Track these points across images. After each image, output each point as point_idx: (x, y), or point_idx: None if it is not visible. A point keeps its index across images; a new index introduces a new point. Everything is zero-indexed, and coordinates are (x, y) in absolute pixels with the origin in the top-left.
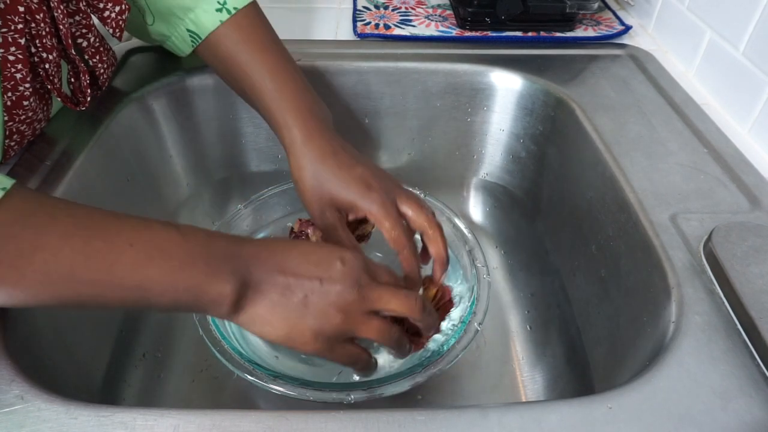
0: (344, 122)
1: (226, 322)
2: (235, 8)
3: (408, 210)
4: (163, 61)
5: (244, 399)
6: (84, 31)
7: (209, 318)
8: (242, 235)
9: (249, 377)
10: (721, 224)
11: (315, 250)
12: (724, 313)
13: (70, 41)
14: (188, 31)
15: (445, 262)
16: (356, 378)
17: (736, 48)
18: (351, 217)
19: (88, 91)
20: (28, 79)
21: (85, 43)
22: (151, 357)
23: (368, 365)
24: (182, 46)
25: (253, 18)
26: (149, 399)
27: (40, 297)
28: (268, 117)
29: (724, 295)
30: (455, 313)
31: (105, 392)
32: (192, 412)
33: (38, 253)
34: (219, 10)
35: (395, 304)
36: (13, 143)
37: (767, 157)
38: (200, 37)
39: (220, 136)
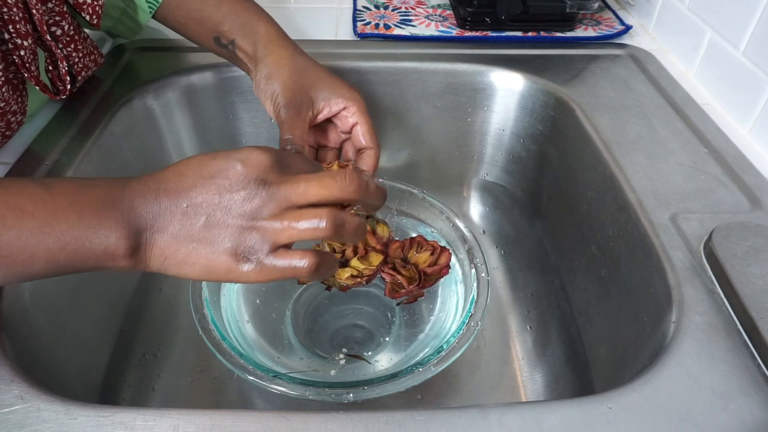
0: None
1: (226, 322)
2: None
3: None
4: (163, 61)
5: (244, 399)
6: (57, 18)
7: (209, 318)
8: None
9: (249, 377)
10: (722, 224)
11: (209, 160)
12: (724, 313)
13: (45, 27)
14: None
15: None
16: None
17: (737, 48)
18: (326, 112)
19: (68, 78)
20: (0, 67)
21: (59, 32)
22: (151, 357)
23: (314, 267)
24: (141, 16)
25: None
26: (149, 399)
27: None
28: (232, 22)
29: (725, 295)
30: (454, 306)
31: (105, 392)
32: (192, 412)
33: None
34: None
35: (317, 188)
36: None
37: (767, 156)
38: (157, 1)
39: (220, 136)
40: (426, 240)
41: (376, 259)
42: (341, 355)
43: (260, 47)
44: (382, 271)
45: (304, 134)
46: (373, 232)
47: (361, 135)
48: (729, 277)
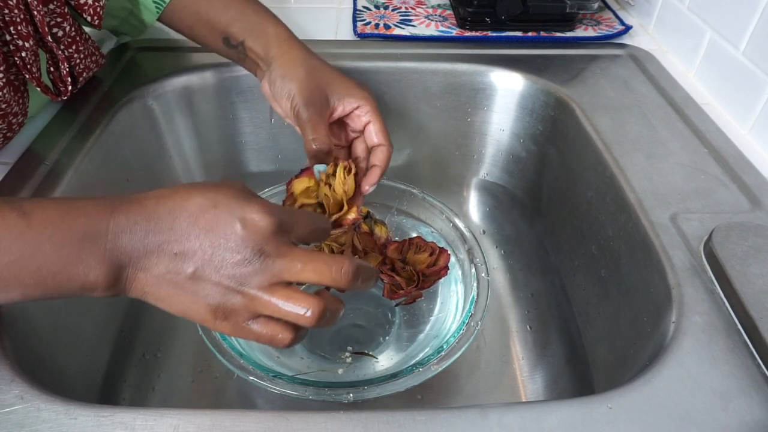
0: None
1: None
2: None
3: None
4: (163, 61)
5: (244, 399)
6: (59, 20)
7: None
8: None
9: (249, 377)
10: (722, 224)
11: (208, 209)
12: (724, 313)
13: (46, 28)
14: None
15: (384, 170)
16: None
17: (737, 48)
18: (340, 110)
19: (69, 80)
20: (2, 69)
21: (60, 33)
22: (151, 357)
23: (289, 342)
24: (146, 15)
25: None
26: (149, 399)
27: None
28: (243, 24)
29: (725, 295)
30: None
31: (105, 392)
32: (192, 412)
33: None
34: None
35: (310, 273)
36: None
37: (767, 156)
38: (164, 1)
39: (220, 136)
40: (425, 241)
41: (374, 260)
42: (347, 354)
43: (272, 48)
44: (381, 272)
45: (328, 133)
46: (371, 233)
47: (374, 133)
48: (729, 277)
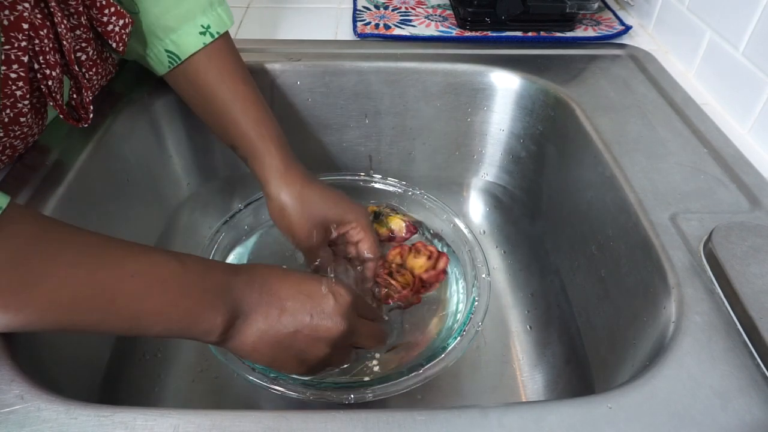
0: (344, 122)
1: None
2: (218, 33)
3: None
4: None
5: (244, 399)
6: (84, 45)
7: None
8: (241, 235)
9: (249, 377)
10: (721, 224)
11: (308, 281)
12: (724, 313)
13: (73, 57)
14: (167, 51)
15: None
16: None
17: (736, 48)
18: (335, 234)
19: (91, 107)
20: (28, 96)
21: (83, 57)
22: (151, 357)
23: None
24: (157, 66)
25: (229, 46)
26: (149, 399)
27: (39, 324)
28: (245, 144)
29: (724, 295)
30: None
31: (105, 392)
32: (192, 412)
33: (44, 282)
34: (202, 33)
35: (369, 342)
36: (4, 157)
37: (767, 157)
38: (179, 59)
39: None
40: (425, 245)
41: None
42: (375, 362)
43: (270, 180)
44: (377, 276)
45: (329, 256)
46: (391, 231)
47: (366, 250)
48: (729, 277)
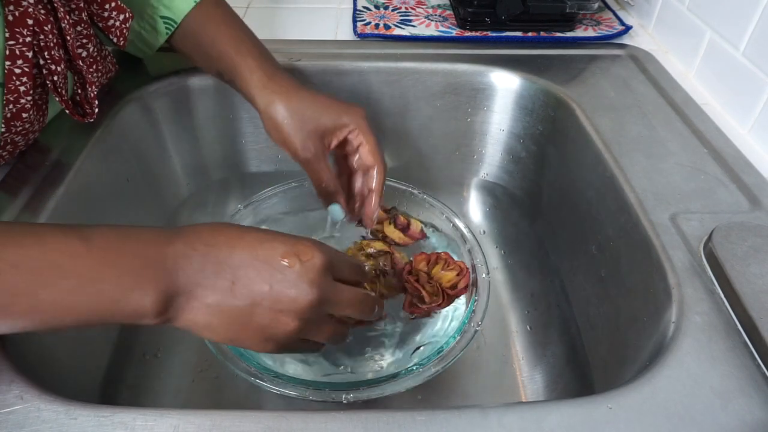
0: None
1: None
2: None
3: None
4: (164, 61)
5: (244, 399)
6: (84, 41)
7: None
8: None
9: (249, 377)
10: (722, 224)
11: (267, 242)
12: (724, 313)
13: (76, 52)
14: (162, 18)
15: (381, 194)
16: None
17: (736, 48)
18: (334, 142)
19: (96, 102)
20: (31, 92)
21: (84, 53)
22: (151, 357)
23: (317, 349)
24: (154, 38)
25: (222, 4)
26: (149, 399)
27: None
28: (228, 67)
29: (725, 295)
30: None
31: (105, 392)
32: (192, 412)
33: None
34: None
35: (351, 310)
36: (5, 153)
37: (767, 157)
38: (175, 22)
39: (220, 136)
40: (453, 259)
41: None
42: (382, 363)
43: (255, 94)
44: (406, 282)
45: (332, 175)
46: (408, 227)
47: (366, 155)
48: (729, 277)
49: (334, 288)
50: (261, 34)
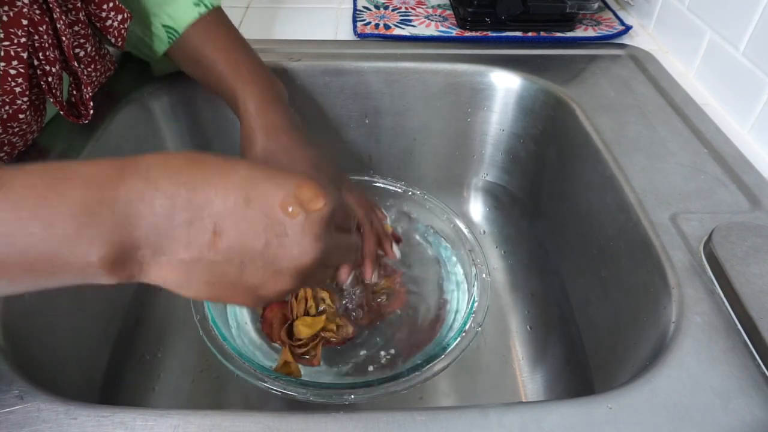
0: (344, 122)
1: (227, 321)
2: (212, 4)
3: (351, 201)
4: (164, 61)
5: (244, 399)
6: (82, 41)
7: (209, 318)
8: None
9: (249, 378)
10: (722, 224)
11: (259, 184)
12: (724, 313)
13: (72, 53)
14: (164, 27)
15: (375, 261)
16: None
17: (736, 48)
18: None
19: (91, 103)
20: (27, 93)
21: (82, 53)
22: (151, 357)
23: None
24: (157, 45)
25: (224, 18)
26: (149, 399)
27: None
28: (225, 89)
29: (725, 295)
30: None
31: (105, 392)
32: (192, 412)
33: None
34: (197, 5)
35: (343, 258)
36: (3, 154)
37: (767, 157)
38: (177, 32)
39: (220, 136)
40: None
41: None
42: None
43: (242, 122)
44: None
45: None
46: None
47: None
48: (729, 277)
49: (336, 240)
50: (261, 34)
